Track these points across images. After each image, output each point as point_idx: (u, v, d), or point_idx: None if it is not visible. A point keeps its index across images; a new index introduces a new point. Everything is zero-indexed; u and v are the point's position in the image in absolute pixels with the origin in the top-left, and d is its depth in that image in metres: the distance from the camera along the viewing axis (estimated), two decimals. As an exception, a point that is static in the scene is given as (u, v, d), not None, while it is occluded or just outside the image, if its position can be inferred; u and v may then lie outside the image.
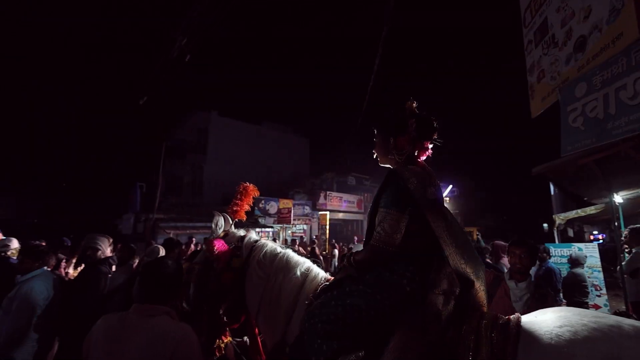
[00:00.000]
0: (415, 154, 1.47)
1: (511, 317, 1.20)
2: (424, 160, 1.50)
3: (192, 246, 9.59)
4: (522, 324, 1.11)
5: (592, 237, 13.22)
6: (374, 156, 1.62)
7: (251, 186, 2.13)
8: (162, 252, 4.13)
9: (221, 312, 1.89)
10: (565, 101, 2.64)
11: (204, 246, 1.91)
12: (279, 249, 1.83)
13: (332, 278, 1.65)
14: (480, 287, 1.31)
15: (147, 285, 1.48)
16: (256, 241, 1.89)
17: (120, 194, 17.63)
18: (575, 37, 2.64)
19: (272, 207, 13.69)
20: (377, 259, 1.30)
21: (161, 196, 19.94)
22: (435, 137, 1.46)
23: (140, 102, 9.86)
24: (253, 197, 2.14)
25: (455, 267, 1.26)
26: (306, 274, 1.67)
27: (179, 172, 21.89)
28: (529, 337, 1.03)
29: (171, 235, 10.54)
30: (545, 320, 1.07)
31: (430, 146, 1.48)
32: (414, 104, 1.48)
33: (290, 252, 1.80)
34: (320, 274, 1.69)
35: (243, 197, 2.09)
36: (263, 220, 13.39)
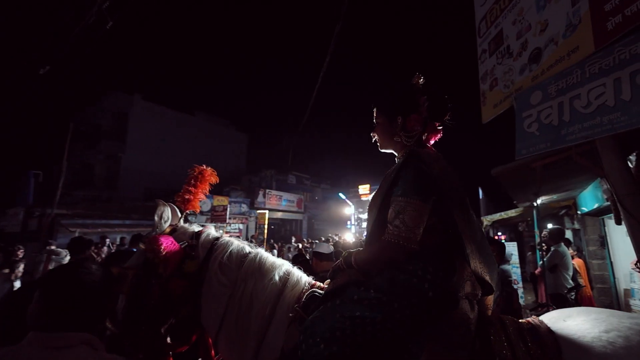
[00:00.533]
0: (424, 137, 1.28)
1: (532, 321, 1.08)
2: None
3: (105, 248, 8.30)
4: (554, 330, 0.99)
5: (496, 237, 15.32)
6: (373, 140, 1.39)
7: (209, 170, 1.71)
8: (66, 256, 3.27)
9: (163, 331, 1.44)
10: (521, 108, 2.80)
11: (142, 245, 1.43)
12: (247, 249, 1.46)
13: (318, 283, 1.37)
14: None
15: (57, 303, 0.99)
16: (217, 239, 1.49)
17: (4, 184, 14.25)
18: (530, 49, 2.83)
19: (205, 204, 12.59)
20: (392, 259, 1.05)
21: (64, 188, 16.88)
22: (448, 117, 1.30)
23: (40, 72, 8.08)
24: (210, 184, 1.72)
25: (474, 268, 1.09)
26: (286, 278, 1.34)
27: (90, 161, 18.79)
28: (574, 346, 0.90)
29: (77, 234, 8.88)
30: (582, 325, 0.96)
31: (440, 128, 1.31)
32: (421, 80, 1.30)
33: (263, 252, 1.45)
34: (303, 278, 1.38)
35: (198, 182, 1.66)
36: (194, 218, 12.21)
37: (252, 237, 11.89)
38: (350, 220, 13.12)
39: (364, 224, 12.74)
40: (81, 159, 18.63)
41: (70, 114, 20.17)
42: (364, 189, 13.02)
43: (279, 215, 16.41)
